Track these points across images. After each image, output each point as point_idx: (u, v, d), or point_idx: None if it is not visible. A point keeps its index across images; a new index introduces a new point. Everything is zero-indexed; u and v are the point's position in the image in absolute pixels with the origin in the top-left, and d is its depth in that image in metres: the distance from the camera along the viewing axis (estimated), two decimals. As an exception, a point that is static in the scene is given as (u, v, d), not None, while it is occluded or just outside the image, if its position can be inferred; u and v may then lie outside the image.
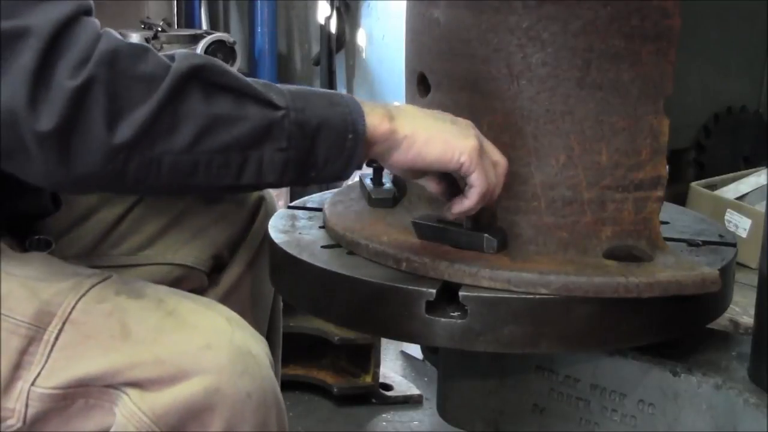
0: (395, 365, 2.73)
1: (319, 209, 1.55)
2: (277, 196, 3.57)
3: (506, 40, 1.26)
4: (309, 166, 1.11)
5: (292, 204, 1.63)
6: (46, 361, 1.09)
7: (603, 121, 1.27)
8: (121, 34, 3.81)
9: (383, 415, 2.47)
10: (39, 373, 1.09)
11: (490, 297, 1.22)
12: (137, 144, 0.99)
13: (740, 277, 1.65)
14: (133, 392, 1.08)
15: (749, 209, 2.41)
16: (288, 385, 2.50)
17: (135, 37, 3.65)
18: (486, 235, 1.28)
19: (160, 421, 1.06)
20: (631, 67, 1.25)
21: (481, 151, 1.19)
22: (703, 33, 2.64)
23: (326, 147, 1.10)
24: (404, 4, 1.45)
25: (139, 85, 0.99)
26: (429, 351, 2.58)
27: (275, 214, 1.57)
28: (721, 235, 1.47)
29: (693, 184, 2.58)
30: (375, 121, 1.14)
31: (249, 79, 1.08)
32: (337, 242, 1.41)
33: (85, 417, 1.09)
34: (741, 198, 2.52)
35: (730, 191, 2.55)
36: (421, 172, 1.24)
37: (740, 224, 2.39)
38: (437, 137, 1.17)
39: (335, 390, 2.47)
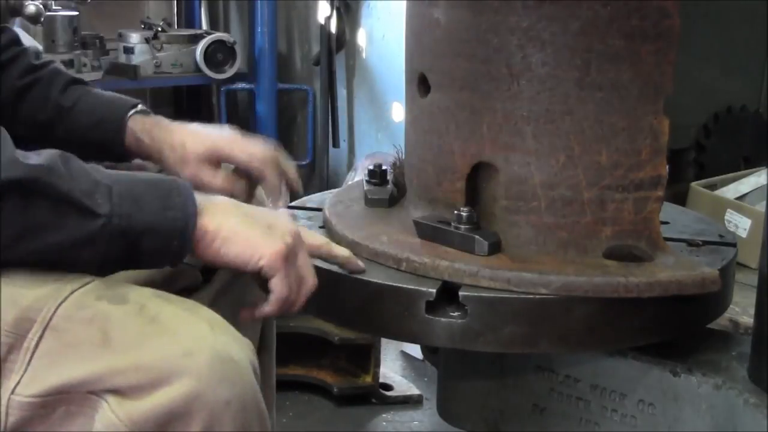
0: (395, 365, 2.73)
1: (319, 209, 1.55)
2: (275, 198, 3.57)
3: (506, 40, 1.26)
4: (130, 263, 1.14)
5: (292, 204, 1.63)
6: (26, 369, 1.08)
7: (603, 121, 1.27)
8: (120, 34, 3.80)
9: (383, 415, 2.47)
10: (19, 381, 1.08)
11: (490, 297, 1.22)
12: None
13: (740, 277, 1.65)
14: (112, 399, 1.07)
15: (749, 209, 2.40)
16: (288, 385, 2.51)
17: (135, 37, 3.66)
18: (477, 237, 1.28)
19: (136, 427, 1.05)
20: (631, 67, 1.25)
21: (287, 258, 1.17)
22: (703, 33, 2.63)
23: (150, 250, 1.12)
24: (404, 4, 1.45)
25: None
26: (429, 351, 2.58)
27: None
28: (721, 235, 1.47)
29: (693, 184, 2.58)
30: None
31: (81, 173, 1.09)
32: (337, 242, 1.41)
33: (66, 424, 1.08)
34: (741, 198, 2.52)
35: (730, 191, 2.55)
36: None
37: (740, 224, 2.39)
38: (239, 236, 1.16)
39: (335, 390, 2.47)
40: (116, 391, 1.07)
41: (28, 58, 1.63)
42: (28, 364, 1.08)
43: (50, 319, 1.10)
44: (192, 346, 1.09)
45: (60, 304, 1.10)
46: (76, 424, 1.08)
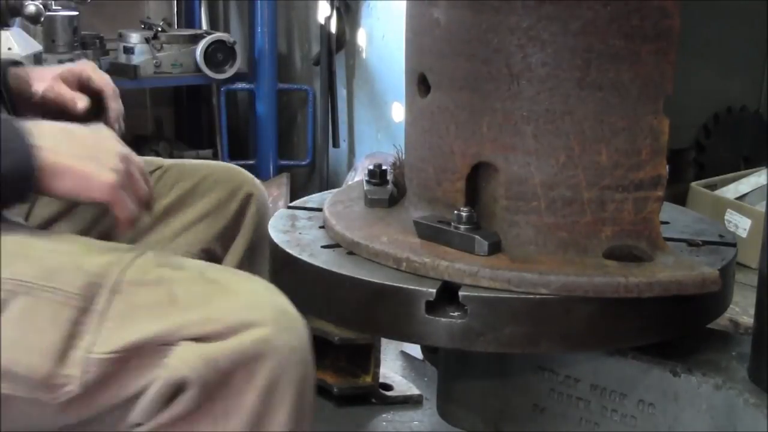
0: (395, 365, 2.72)
1: (319, 209, 1.55)
2: (277, 196, 3.59)
3: (506, 40, 1.26)
4: None
5: (292, 204, 1.63)
6: (99, 330, 1.13)
7: (603, 121, 1.27)
8: (120, 34, 3.79)
9: (383, 415, 2.47)
10: (94, 341, 1.12)
11: (490, 297, 1.22)
12: None
13: (740, 277, 1.65)
14: (186, 343, 1.11)
15: (749, 209, 2.40)
16: (288, 385, 2.51)
17: (135, 37, 3.65)
18: (477, 237, 1.28)
19: (211, 364, 1.09)
20: (631, 67, 1.25)
21: (121, 186, 1.21)
22: (703, 33, 2.64)
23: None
24: (404, 4, 1.45)
25: None
26: (429, 351, 2.57)
27: (275, 214, 1.57)
28: (721, 235, 1.47)
29: (693, 184, 2.58)
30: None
31: None
32: (337, 242, 1.41)
33: (137, 375, 1.13)
34: (741, 198, 2.52)
35: (730, 191, 2.55)
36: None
37: (740, 224, 2.39)
38: (71, 171, 1.19)
39: (335, 390, 2.46)
40: (190, 339, 1.11)
41: None
42: (100, 325, 1.13)
43: (117, 283, 1.15)
44: (256, 300, 1.15)
45: (125, 270, 1.16)
46: (147, 374, 1.12)
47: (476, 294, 1.22)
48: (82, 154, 1.20)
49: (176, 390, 1.10)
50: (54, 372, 1.11)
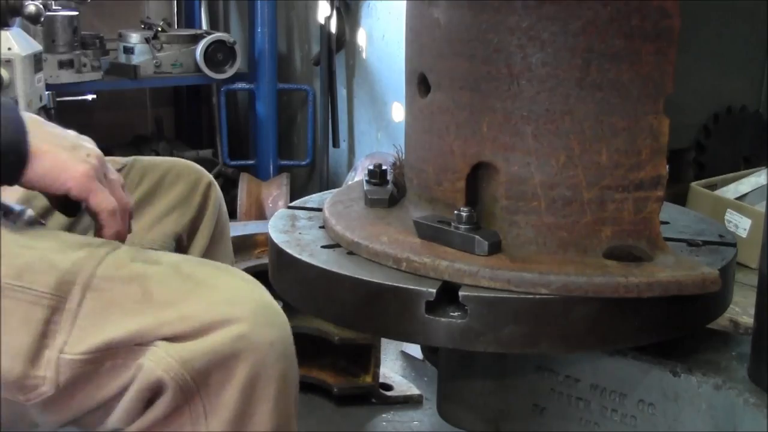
0: (395, 365, 2.73)
1: (319, 209, 1.55)
2: (277, 196, 3.58)
3: (506, 40, 1.27)
4: None
5: (292, 204, 1.63)
6: (71, 329, 1.11)
7: (603, 121, 1.27)
8: (120, 34, 3.79)
9: (383, 415, 2.47)
10: (66, 341, 1.10)
11: (490, 297, 1.22)
12: None
13: (740, 277, 1.65)
14: (162, 343, 1.09)
15: (749, 209, 2.40)
16: (288, 385, 2.51)
17: (135, 37, 3.66)
18: (477, 237, 1.28)
19: (187, 365, 1.08)
20: (631, 67, 1.25)
21: (96, 178, 1.19)
22: (703, 33, 2.63)
23: None
24: (404, 4, 1.45)
25: None
26: (429, 351, 2.57)
27: (275, 214, 1.58)
28: (721, 235, 1.47)
29: (693, 184, 2.58)
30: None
31: None
32: (337, 242, 1.41)
33: (113, 376, 1.11)
34: (741, 198, 2.52)
35: (730, 191, 2.55)
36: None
37: (740, 224, 2.39)
38: (47, 156, 1.17)
39: (335, 390, 2.46)
40: (165, 338, 1.10)
41: None
42: (73, 324, 1.11)
43: (90, 279, 1.12)
44: (233, 296, 1.13)
45: (97, 266, 1.13)
46: (122, 375, 1.10)
47: (476, 294, 1.22)
48: (57, 142, 1.18)
49: (154, 392, 1.08)
50: (27, 373, 1.09)
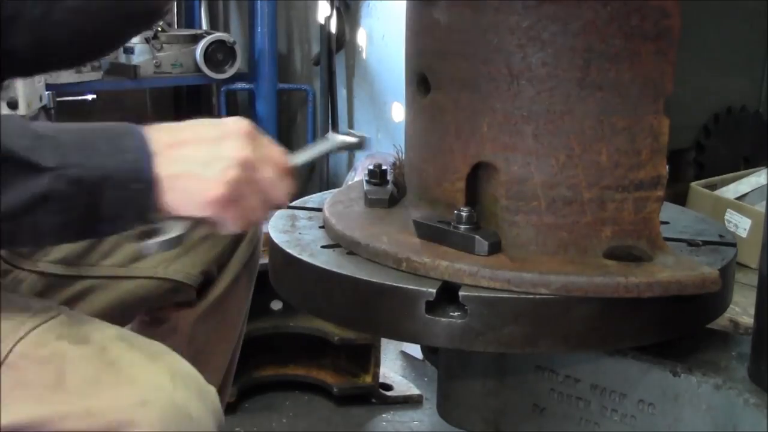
0: (395, 365, 2.73)
1: (319, 209, 1.55)
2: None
3: (506, 40, 1.26)
4: (95, 222, 1.02)
5: (292, 204, 1.63)
6: None
7: (603, 121, 1.27)
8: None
9: (383, 415, 2.47)
10: None
11: (490, 297, 1.22)
12: None
13: (740, 277, 1.65)
14: None
15: (749, 209, 2.40)
16: (288, 385, 2.51)
17: (135, 37, 3.65)
18: (477, 237, 1.28)
19: None
20: (631, 67, 1.25)
21: (230, 201, 1.05)
22: (703, 33, 2.64)
23: (112, 201, 1.01)
24: (404, 4, 1.45)
25: None
26: (429, 351, 2.58)
27: (275, 214, 1.57)
28: (721, 235, 1.47)
29: (693, 184, 2.58)
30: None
31: (22, 130, 0.99)
32: (337, 242, 1.41)
33: None
34: (741, 198, 2.52)
35: (730, 191, 2.55)
36: None
37: (740, 224, 2.39)
38: (178, 184, 1.04)
39: (335, 390, 2.47)
40: None
41: None
42: None
43: (7, 355, 1.06)
44: (148, 396, 1.05)
45: (18, 341, 1.07)
46: None
47: (476, 294, 1.22)
48: (195, 160, 1.04)
49: None
50: None
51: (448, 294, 1.24)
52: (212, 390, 1.12)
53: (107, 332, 1.13)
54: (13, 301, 1.17)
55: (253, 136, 1.08)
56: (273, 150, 1.11)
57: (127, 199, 1.02)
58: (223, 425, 1.10)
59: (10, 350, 1.06)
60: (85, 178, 0.99)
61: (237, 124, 1.09)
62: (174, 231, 1.08)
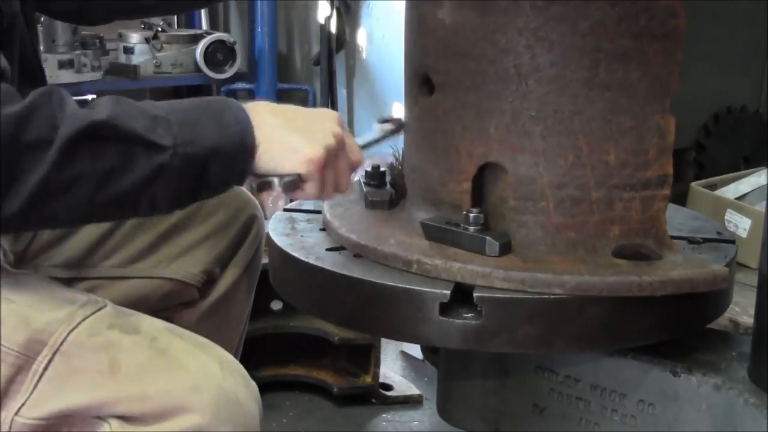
0: (395, 365, 2.72)
1: (317, 211, 1.54)
2: (277, 196, 3.57)
3: (514, 41, 1.26)
4: (201, 190, 1.14)
5: (288, 206, 1.61)
6: (32, 392, 1.09)
7: (611, 121, 1.27)
8: (120, 34, 3.78)
9: (383, 415, 2.47)
10: (24, 403, 1.09)
11: (504, 298, 1.22)
12: (28, 211, 1.02)
13: (740, 277, 1.66)
14: (115, 423, 1.08)
15: (749, 209, 2.40)
16: (288, 385, 2.51)
17: (135, 37, 3.65)
18: (488, 237, 1.28)
19: None
20: (639, 67, 1.26)
21: (325, 164, 1.19)
22: (703, 33, 2.64)
23: (218, 171, 1.12)
24: (404, 4, 1.44)
25: (26, 155, 1.00)
26: (429, 351, 2.58)
27: (273, 216, 1.56)
28: (719, 232, 1.48)
29: (693, 184, 2.58)
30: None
31: (139, 111, 1.08)
32: (341, 245, 1.40)
33: None
34: (741, 198, 2.52)
35: (730, 191, 2.55)
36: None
37: (740, 224, 2.39)
38: (280, 143, 1.17)
39: (335, 390, 2.46)
40: (120, 417, 1.08)
41: None
42: (35, 387, 1.09)
43: (61, 344, 1.10)
44: (200, 381, 1.10)
45: (72, 330, 1.11)
46: None
47: (490, 295, 1.22)
48: (291, 126, 1.18)
49: None
50: None
51: (461, 295, 1.24)
52: (254, 382, 1.18)
53: (155, 323, 1.20)
54: (61, 291, 1.21)
55: (340, 120, 1.25)
56: (349, 134, 1.27)
57: (231, 168, 1.13)
58: (262, 416, 1.16)
59: (64, 339, 1.11)
60: (195, 155, 1.09)
61: (327, 110, 1.28)
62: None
